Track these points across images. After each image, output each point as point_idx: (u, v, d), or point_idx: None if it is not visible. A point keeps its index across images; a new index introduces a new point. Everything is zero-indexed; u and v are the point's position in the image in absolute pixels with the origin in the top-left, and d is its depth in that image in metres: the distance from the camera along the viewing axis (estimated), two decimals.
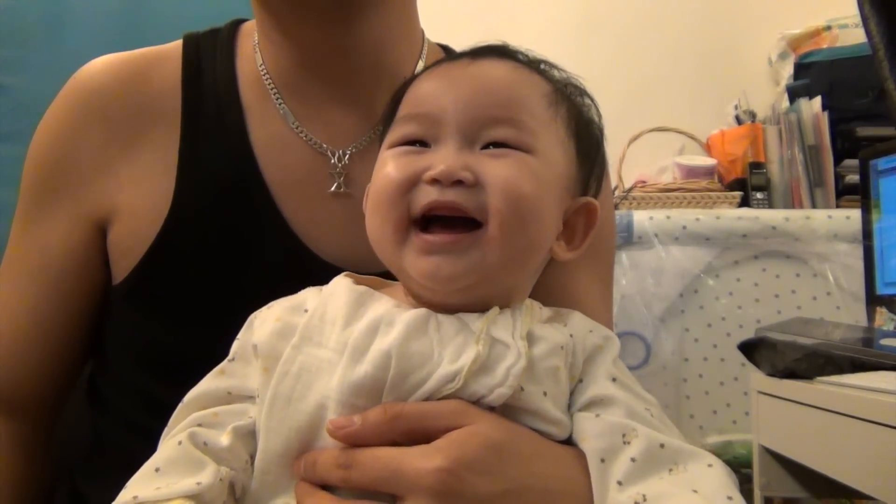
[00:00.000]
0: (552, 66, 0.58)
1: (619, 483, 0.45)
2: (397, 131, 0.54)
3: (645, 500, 0.43)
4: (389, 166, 0.52)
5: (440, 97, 0.53)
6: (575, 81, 0.59)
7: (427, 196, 0.49)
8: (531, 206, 0.50)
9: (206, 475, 0.45)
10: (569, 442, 0.49)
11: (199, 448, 0.47)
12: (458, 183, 0.49)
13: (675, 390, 1.73)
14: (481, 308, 0.50)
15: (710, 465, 0.46)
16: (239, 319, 0.54)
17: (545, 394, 0.48)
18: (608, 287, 0.74)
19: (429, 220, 0.50)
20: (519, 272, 0.53)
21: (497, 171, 0.50)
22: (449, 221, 0.49)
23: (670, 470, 0.45)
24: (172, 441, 0.48)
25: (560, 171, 0.54)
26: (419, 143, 0.52)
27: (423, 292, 0.51)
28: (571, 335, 0.51)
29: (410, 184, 0.50)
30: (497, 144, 0.51)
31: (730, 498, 0.43)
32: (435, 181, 0.49)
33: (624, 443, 0.46)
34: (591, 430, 0.47)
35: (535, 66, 0.57)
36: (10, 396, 0.69)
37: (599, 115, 0.60)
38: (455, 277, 0.49)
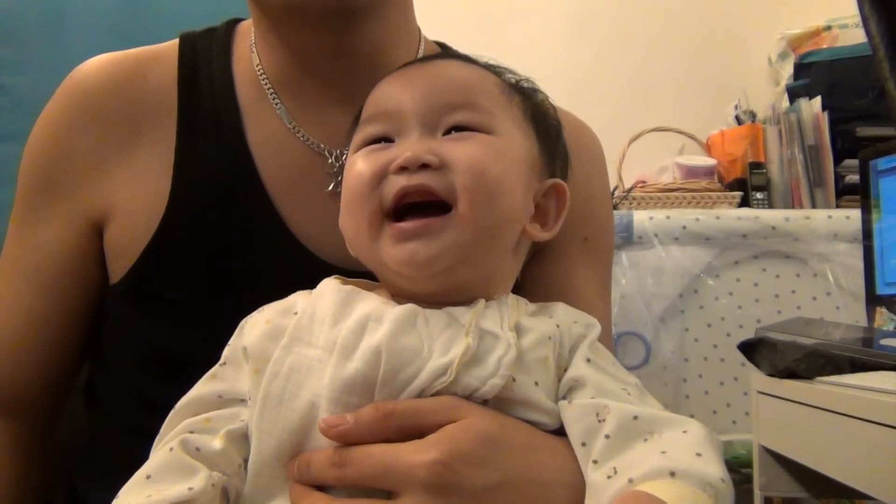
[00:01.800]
0: (505, 69, 0.61)
1: (595, 462, 0.45)
2: (361, 133, 0.56)
3: (615, 472, 0.43)
4: (357, 165, 0.53)
5: (398, 95, 0.55)
6: (527, 80, 0.61)
7: (396, 184, 0.50)
8: (498, 182, 0.52)
9: (197, 480, 0.45)
10: (561, 431, 0.49)
11: (191, 454, 0.47)
12: (425, 167, 0.50)
13: (675, 390, 1.73)
14: (466, 301, 0.51)
15: (685, 431, 0.45)
16: (236, 319, 0.54)
17: (536, 383, 0.48)
18: (607, 285, 0.75)
19: (401, 213, 0.51)
20: (493, 250, 0.53)
21: (461, 151, 0.51)
22: (421, 209, 0.50)
23: (645, 440, 0.45)
24: (164, 448, 0.48)
25: (522, 149, 0.56)
26: (384, 140, 0.54)
27: (403, 283, 0.51)
28: (558, 325, 0.51)
29: (379, 177, 0.51)
30: (458, 129, 0.53)
31: (698, 454, 0.43)
32: (402, 169, 0.50)
33: (599, 421, 0.46)
34: (569, 417, 0.48)
35: (486, 66, 0.60)
36: (8, 397, 0.69)
37: (554, 110, 0.63)
38: (431, 261, 0.49)
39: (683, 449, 0.43)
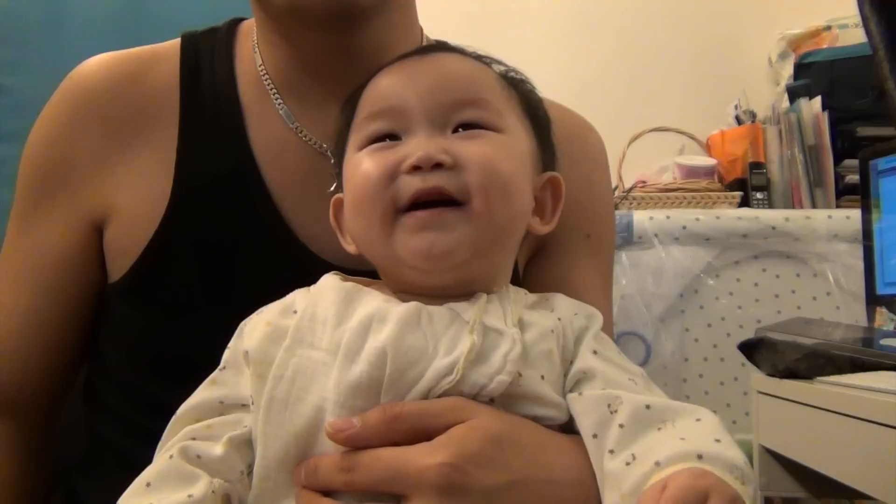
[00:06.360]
0: (493, 59, 0.60)
1: (611, 451, 0.45)
2: (364, 130, 0.54)
3: (634, 458, 0.43)
4: (365, 164, 0.52)
5: (401, 90, 0.54)
6: (515, 71, 0.61)
7: (411, 185, 0.50)
8: (511, 180, 0.52)
9: (197, 488, 0.45)
10: (569, 426, 0.49)
11: (192, 461, 0.47)
12: (438, 167, 0.50)
13: (675, 390, 1.73)
14: (467, 295, 0.50)
15: (698, 420, 0.45)
16: (237, 319, 0.54)
17: (543, 377, 0.48)
18: (608, 281, 0.75)
19: (411, 209, 0.50)
20: (506, 245, 0.54)
21: (473, 150, 0.51)
22: (431, 206, 0.50)
23: (659, 429, 0.45)
24: (164, 455, 0.47)
25: (525, 145, 0.56)
26: (389, 137, 0.53)
27: (415, 277, 0.51)
28: (559, 318, 0.52)
29: (391, 177, 0.50)
30: (466, 126, 0.52)
31: (717, 440, 0.43)
32: (415, 168, 0.50)
33: (611, 412, 0.46)
34: (579, 409, 0.48)
35: (479, 58, 0.59)
36: (7, 397, 0.69)
37: (541, 100, 0.63)
38: (448, 253, 0.49)
39: (702, 435, 0.43)
